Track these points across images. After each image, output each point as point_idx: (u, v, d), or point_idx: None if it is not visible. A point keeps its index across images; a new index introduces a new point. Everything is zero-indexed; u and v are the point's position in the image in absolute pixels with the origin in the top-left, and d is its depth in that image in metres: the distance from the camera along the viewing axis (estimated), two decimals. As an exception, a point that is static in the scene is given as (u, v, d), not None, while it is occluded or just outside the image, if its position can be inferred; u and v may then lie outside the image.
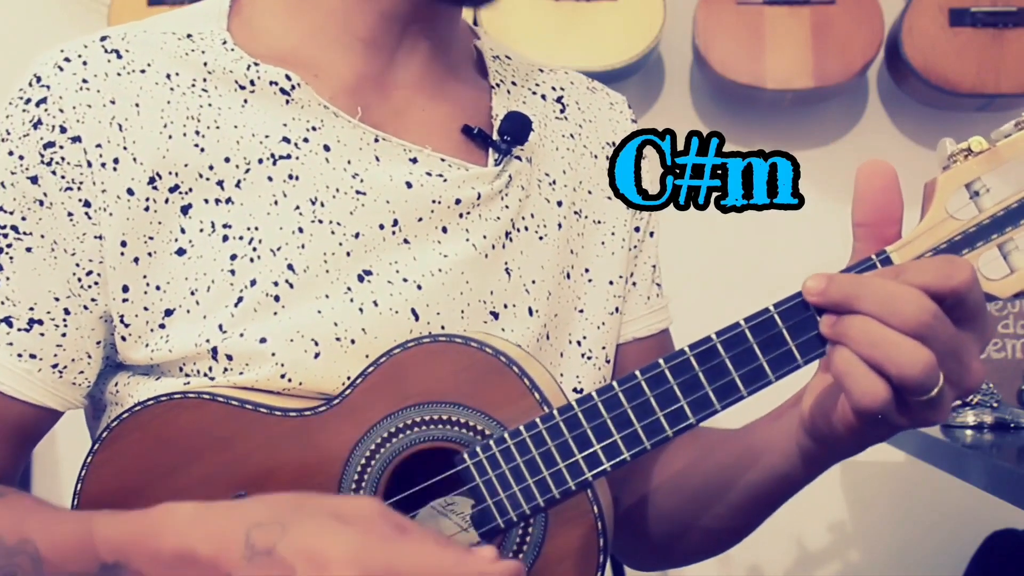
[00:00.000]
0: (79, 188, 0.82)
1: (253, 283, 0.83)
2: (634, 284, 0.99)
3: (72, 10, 2.49)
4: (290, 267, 0.83)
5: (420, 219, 0.87)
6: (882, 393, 0.69)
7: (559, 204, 0.94)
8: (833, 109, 2.57)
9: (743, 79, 2.34)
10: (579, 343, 0.94)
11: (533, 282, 0.91)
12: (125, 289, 0.83)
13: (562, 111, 0.99)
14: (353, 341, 0.84)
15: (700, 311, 2.12)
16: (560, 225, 0.94)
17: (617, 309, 0.97)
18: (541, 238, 0.92)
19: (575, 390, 0.93)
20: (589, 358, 0.94)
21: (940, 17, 2.31)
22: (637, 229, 0.99)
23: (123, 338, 0.84)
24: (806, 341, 0.73)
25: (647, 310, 1.00)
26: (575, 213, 0.95)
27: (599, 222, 0.97)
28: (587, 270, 0.96)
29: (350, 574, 0.63)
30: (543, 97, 0.98)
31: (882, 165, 0.74)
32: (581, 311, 0.95)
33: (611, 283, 0.96)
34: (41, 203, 0.82)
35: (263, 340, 0.82)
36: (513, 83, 0.97)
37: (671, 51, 2.56)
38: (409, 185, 0.87)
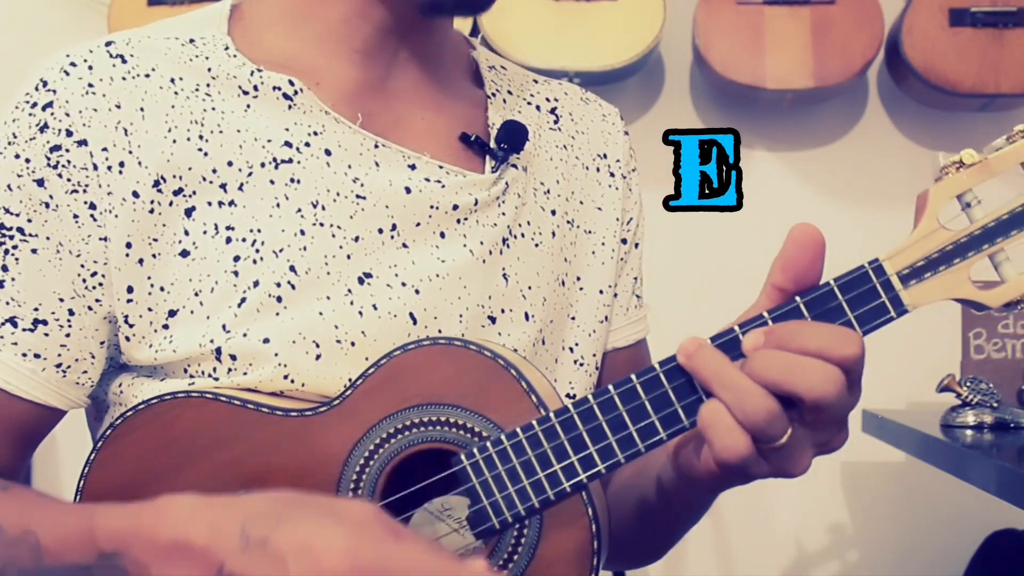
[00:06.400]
0: (85, 191, 0.83)
1: (256, 284, 0.84)
2: (615, 295, 1.01)
3: (72, 11, 2.49)
4: (292, 268, 0.85)
5: (418, 224, 0.88)
6: (742, 448, 0.72)
7: (553, 213, 0.96)
8: (833, 109, 2.57)
9: (743, 79, 2.35)
10: (571, 349, 0.96)
11: (529, 288, 0.92)
12: (130, 290, 0.84)
13: (556, 122, 1.00)
14: (353, 343, 0.85)
15: (697, 312, 2.12)
16: (554, 233, 0.95)
17: (607, 318, 0.98)
18: (537, 245, 0.94)
19: (568, 395, 0.94)
20: (581, 365, 0.96)
21: (940, 17, 2.31)
22: (624, 241, 1.01)
23: (127, 338, 0.85)
24: None
25: (625, 321, 1.02)
26: (568, 222, 0.97)
27: (590, 232, 0.99)
28: (579, 278, 0.97)
29: (342, 567, 0.64)
30: (537, 108, 1.00)
31: (814, 232, 0.75)
32: (573, 318, 0.96)
33: (601, 292, 0.98)
34: (47, 205, 0.83)
35: (266, 340, 0.83)
36: (509, 92, 0.99)
37: (671, 51, 2.56)
38: (408, 190, 0.88)
